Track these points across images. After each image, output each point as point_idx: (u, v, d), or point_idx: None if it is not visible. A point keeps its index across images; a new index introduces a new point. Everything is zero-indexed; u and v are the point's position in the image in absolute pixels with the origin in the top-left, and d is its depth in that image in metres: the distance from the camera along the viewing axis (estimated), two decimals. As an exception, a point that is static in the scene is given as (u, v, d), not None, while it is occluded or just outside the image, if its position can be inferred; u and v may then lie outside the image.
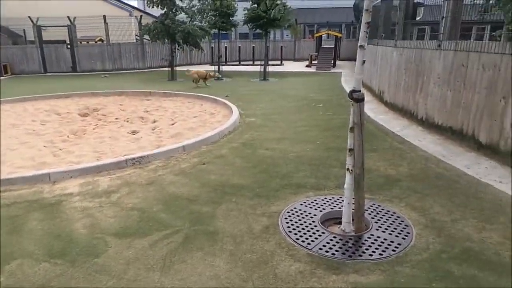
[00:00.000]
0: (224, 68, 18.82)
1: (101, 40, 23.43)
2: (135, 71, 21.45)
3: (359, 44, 3.04)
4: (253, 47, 24.58)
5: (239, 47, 25.90)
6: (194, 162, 5.32)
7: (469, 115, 5.80)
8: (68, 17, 20.49)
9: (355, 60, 3.23)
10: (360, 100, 3.17)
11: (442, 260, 2.94)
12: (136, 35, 24.37)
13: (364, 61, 3.13)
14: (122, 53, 21.75)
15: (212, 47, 22.93)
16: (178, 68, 18.29)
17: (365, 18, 2.94)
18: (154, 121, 8.27)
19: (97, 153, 5.91)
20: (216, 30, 17.12)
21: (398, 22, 9.10)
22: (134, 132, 7.33)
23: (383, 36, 10.77)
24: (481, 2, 7.61)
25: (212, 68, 17.58)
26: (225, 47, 24.58)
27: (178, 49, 16.75)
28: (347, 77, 15.32)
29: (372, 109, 8.95)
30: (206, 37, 17.01)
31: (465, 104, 5.89)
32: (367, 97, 10.60)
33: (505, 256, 2.96)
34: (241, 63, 25.11)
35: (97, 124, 8.15)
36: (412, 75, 7.65)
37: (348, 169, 3.37)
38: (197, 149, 5.88)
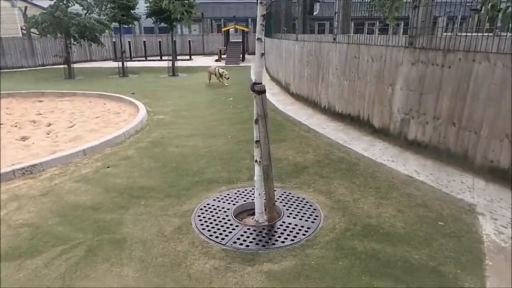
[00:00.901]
0: (129, 64, 17.76)
1: (-23, 34, 20.20)
2: (24, 69, 19.02)
3: (256, 37, 3.07)
4: (160, 41, 23.64)
5: (144, 42, 24.69)
6: (97, 166, 4.89)
7: (364, 102, 6.36)
8: None
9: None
10: (262, 92, 3.21)
11: (347, 238, 3.16)
12: (22, 29, 21.59)
13: (263, 54, 3.18)
14: (5, 49, 19.04)
15: (114, 42, 21.44)
16: (76, 65, 16.74)
17: (260, 10, 2.96)
18: (49, 125, 7.41)
19: (-24, 165, 5.06)
20: (117, 24, 16.03)
21: (297, 16, 9.53)
22: (24, 138, 6.47)
23: (285, 30, 11.21)
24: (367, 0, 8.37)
25: (116, 64, 16.47)
26: (129, 42, 23.20)
27: (74, 44, 15.28)
28: (256, 70, 15.66)
29: (280, 100, 9.27)
30: (106, 31, 15.81)
31: (360, 92, 6.43)
32: (275, 89, 10.99)
33: (398, 227, 3.29)
34: (148, 58, 24.00)
35: (-25, 132, 6.99)
36: (314, 67, 8.11)
37: (256, 160, 3.40)
38: (100, 152, 5.42)
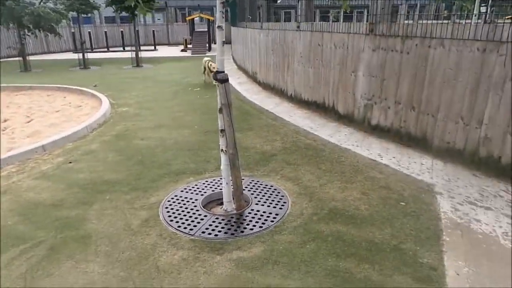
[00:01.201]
0: (90, 55, 17.07)
1: None
2: (-25, 62, 17.81)
3: (216, 25, 3.03)
4: (122, 31, 22.84)
5: (105, 32, 23.78)
6: (58, 162, 4.70)
7: (328, 89, 6.46)
8: None
9: (229, 43, 3.22)
10: (224, 81, 3.19)
11: (314, 222, 3.23)
12: (-30, 19, 20.12)
13: (224, 42, 3.15)
14: (-48, 41, 17.76)
15: (73, 33, 20.49)
16: (32, 58, 15.89)
17: (219, -3, 2.92)
18: (5, 121, 7.02)
19: None
20: (75, 13, 15.32)
21: (261, 5, 9.49)
22: (-24, 136, 6.09)
23: (250, 18, 11.14)
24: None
25: (76, 56, 15.76)
26: (89, 32, 22.28)
27: (28, 35, 14.46)
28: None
29: (247, 89, 9.25)
30: (63, 20, 15.05)
31: (325, 79, 6.53)
32: (243, 78, 10.94)
33: (362, 210, 3.41)
34: (110, 49, 23.16)
35: None
36: (279, 56, 8.13)
37: (222, 150, 3.39)
38: (61, 147, 5.20)
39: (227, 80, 3.15)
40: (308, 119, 6.46)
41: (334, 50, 6.17)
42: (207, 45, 21.76)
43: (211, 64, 7.51)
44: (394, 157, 4.62)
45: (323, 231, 3.09)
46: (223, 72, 3.15)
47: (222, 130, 3.34)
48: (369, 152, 4.82)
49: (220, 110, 3.26)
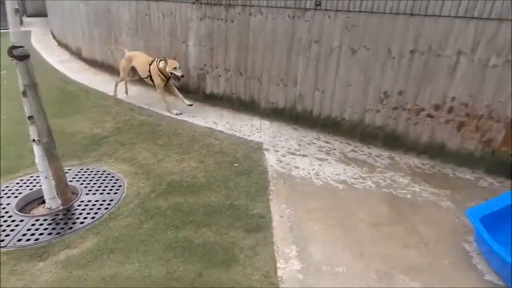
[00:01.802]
0: None
1: None
2: None
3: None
4: None
5: None
6: None
7: (160, 62, 6.23)
8: None
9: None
10: (24, 58, 2.68)
11: (152, 199, 3.13)
12: None
13: (16, 9, 2.62)
14: None
15: None
16: None
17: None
18: None
19: None
20: None
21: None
22: None
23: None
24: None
25: None
26: None
27: None
28: (39, 35, 13.20)
29: (71, 68, 8.16)
30: None
31: (156, 51, 6.25)
32: (65, 56, 9.61)
33: (199, 177, 3.47)
34: None
35: None
36: (104, 28, 7.38)
37: (34, 140, 2.91)
38: None
39: (27, 56, 2.65)
40: (144, 95, 6.15)
41: (163, 20, 5.92)
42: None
43: (166, 63, 5.39)
44: (228, 123, 4.83)
45: (162, 206, 3.03)
46: (22, 46, 2.63)
47: (30, 117, 2.86)
48: (205, 121, 4.92)
49: (24, 93, 2.76)
